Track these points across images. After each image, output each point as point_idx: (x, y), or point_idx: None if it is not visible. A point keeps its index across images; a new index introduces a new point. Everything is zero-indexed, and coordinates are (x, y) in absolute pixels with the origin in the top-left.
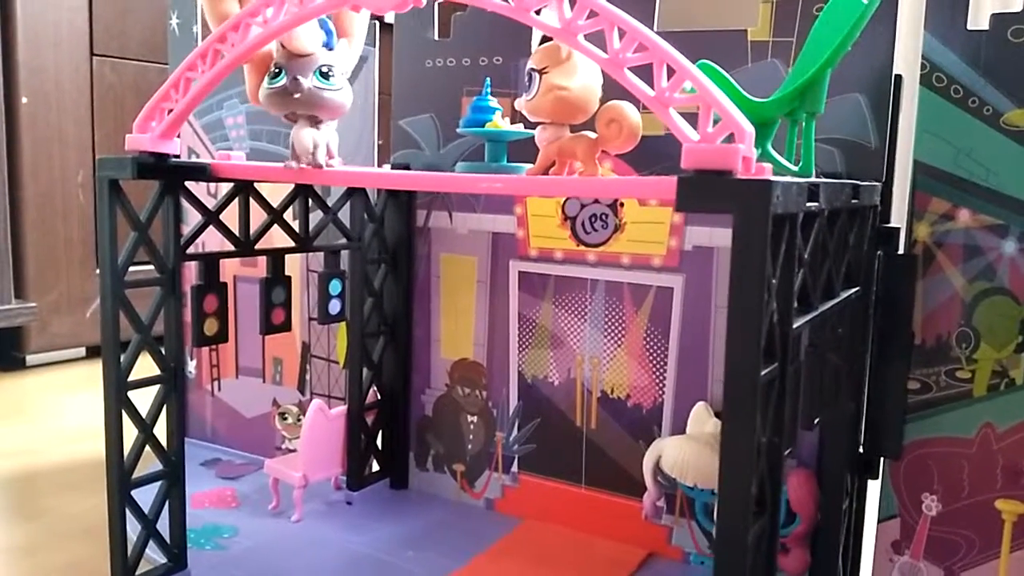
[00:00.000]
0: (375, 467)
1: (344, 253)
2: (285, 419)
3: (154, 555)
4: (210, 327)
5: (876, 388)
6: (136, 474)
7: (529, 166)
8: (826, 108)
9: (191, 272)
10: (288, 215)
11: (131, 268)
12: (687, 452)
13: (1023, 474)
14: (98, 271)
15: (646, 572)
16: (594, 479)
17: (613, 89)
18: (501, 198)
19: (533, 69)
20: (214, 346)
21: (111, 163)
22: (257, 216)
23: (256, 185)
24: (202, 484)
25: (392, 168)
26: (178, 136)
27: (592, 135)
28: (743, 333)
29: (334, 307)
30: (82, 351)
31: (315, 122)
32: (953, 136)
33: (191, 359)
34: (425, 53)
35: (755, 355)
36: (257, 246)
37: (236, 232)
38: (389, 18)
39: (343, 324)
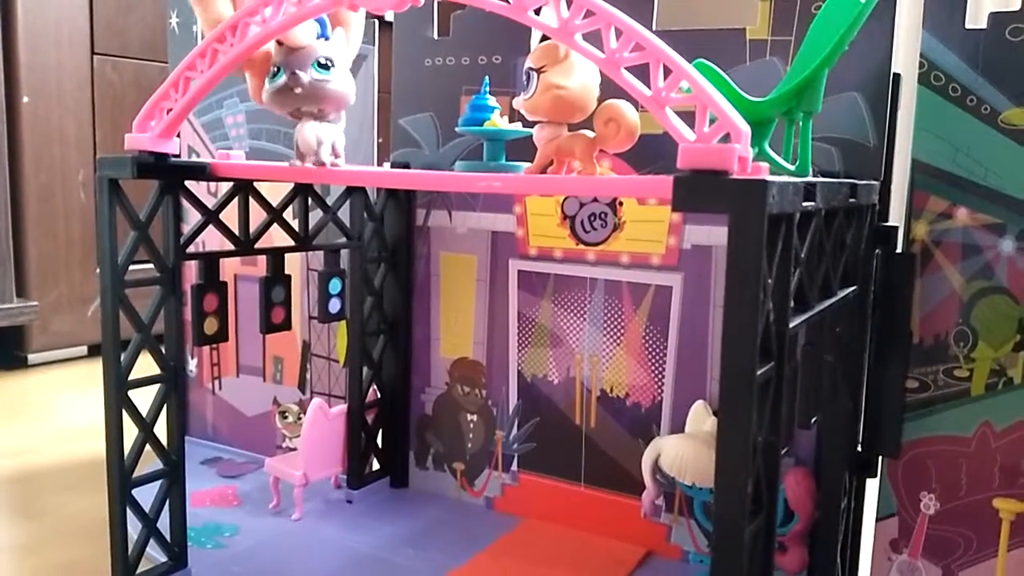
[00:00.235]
0: (375, 466)
1: (344, 252)
2: (285, 418)
3: (155, 554)
4: (210, 326)
5: (874, 387)
6: (137, 473)
7: (528, 165)
8: (824, 107)
9: (191, 271)
10: (288, 214)
11: (131, 267)
12: (686, 451)
13: (1021, 473)
14: (98, 270)
15: (645, 570)
16: (593, 478)
17: (611, 88)
18: (500, 197)
19: (531, 68)
20: (214, 345)
21: (111, 162)
22: (257, 215)
23: (256, 184)
24: (203, 483)
25: (391, 167)
26: (178, 135)
27: (590, 134)
28: (739, 333)
29: (334, 306)
30: (83, 350)
31: (320, 117)
32: (951, 135)
33: (192, 358)
34: (424, 52)
35: (751, 354)
36: (257, 245)
37: (236, 231)
38: (389, 16)
39: (343, 323)
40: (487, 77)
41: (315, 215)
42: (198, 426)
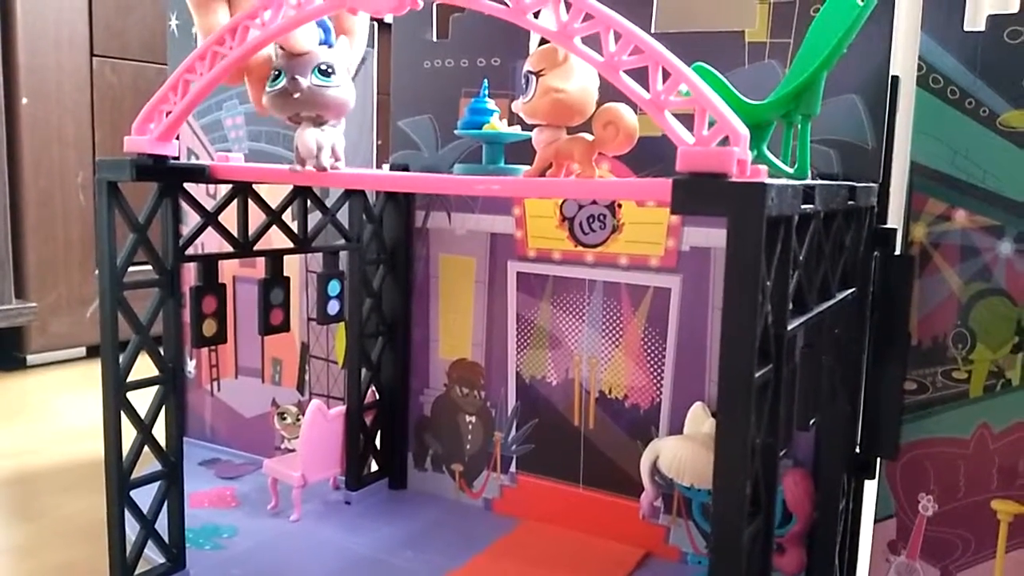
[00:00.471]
0: (374, 467)
1: (343, 254)
2: (284, 419)
3: (153, 555)
4: (209, 328)
5: (872, 388)
6: (135, 474)
7: (527, 168)
8: (823, 109)
9: (190, 273)
10: (287, 216)
11: (130, 269)
12: (684, 452)
13: (1019, 474)
14: (97, 272)
15: (643, 572)
16: (592, 479)
17: (610, 91)
18: (499, 199)
19: (530, 71)
20: (213, 347)
21: (110, 165)
22: (256, 217)
23: (255, 186)
24: (201, 484)
25: (391, 169)
26: (177, 138)
27: (589, 137)
28: (737, 335)
29: (333, 308)
30: (82, 351)
31: (319, 123)
32: (950, 137)
33: (190, 359)
34: (423, 54)
35: (749, 357)
36: (256, 247)
37: (235, 233)
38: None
39: (342, 324)
40: (486, 80)
41: (314, 217)
42: (196, 427)
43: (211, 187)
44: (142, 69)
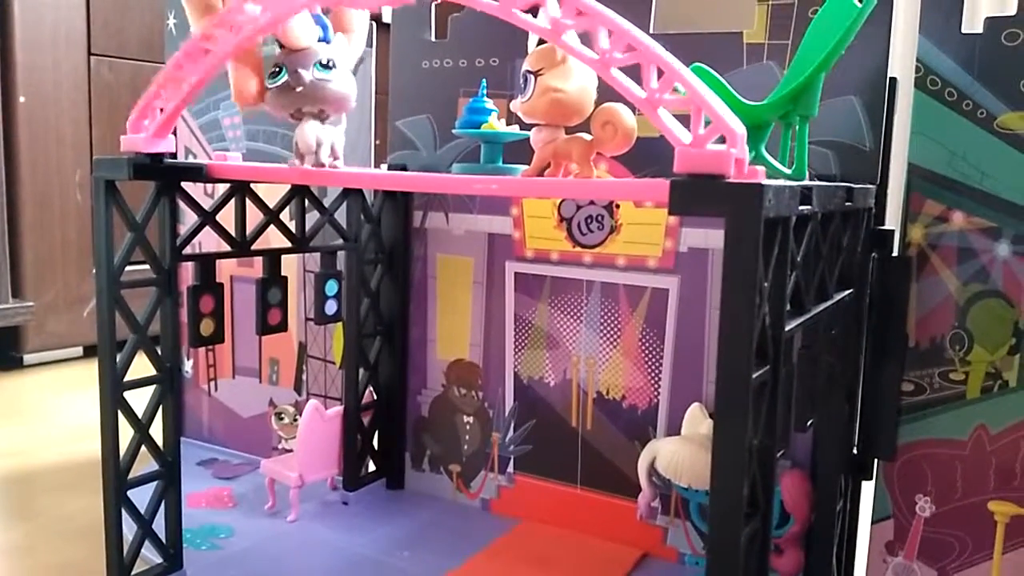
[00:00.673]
0: (371, 467)
1: (340, 254)
2: (281, 419)
3: (150, 555)
4: (206, 327)
5: (870, 390)
6: (132, 474)
7: (525, 167)
8: (821, 110)
9: (187, 272)
10: (284, 215)
11: (127, 268)
12: (682, 453)
13: (1016, 475)
14: (94, 271)
15: (641, 572)
16: (589, 480)
17: (608, 91)
18: (497, 199)
19: (529, 71)
20: (210, 346)
21: (107, 164)
22: (253, 217)
23: (252, 185)
24: (198, 484)
25: (389, 169)
26: (174, 134)
27: (587, 137)
28: (735, 336)
29: (330, 307)
30: (79, 350)
31: (321, 118)
32: (947, 139)
33: (188, 359)
34: (422, 54)
35: (747, 358)
36: (253, 247)
37: (232, 233)
38: (387, 18)
39: (339, 324)
40: (484, 79)
41: (312, 217)
42: (194, 427)
43: (209, 186)
44: (140, 68)
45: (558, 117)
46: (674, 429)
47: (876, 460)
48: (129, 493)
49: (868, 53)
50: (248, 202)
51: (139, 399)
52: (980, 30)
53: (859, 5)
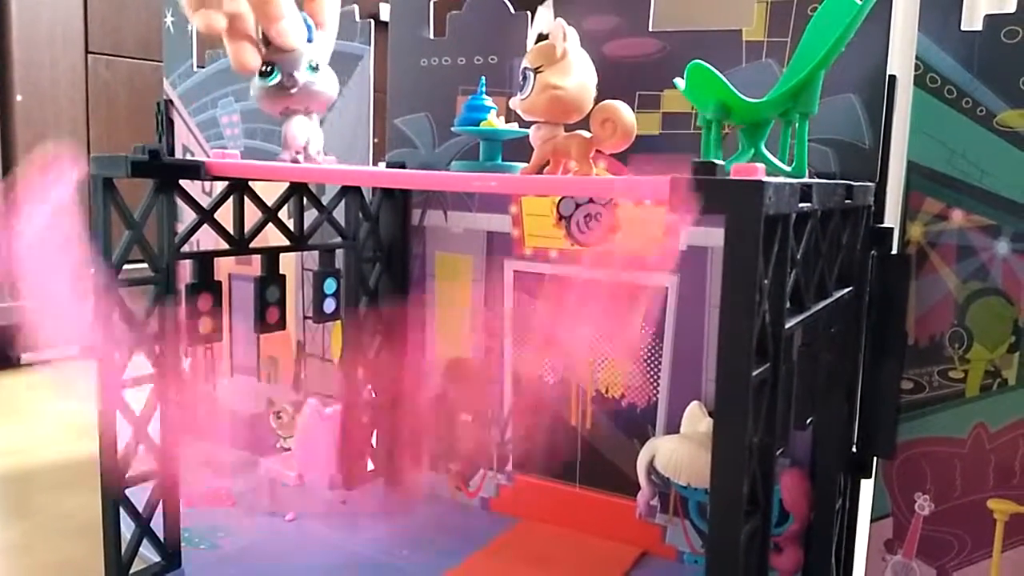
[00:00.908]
0: (369, 466)
1: (339, 252)
2: (280, 418)
3: (148, 554)
4: (204, 326)
5: (869, 388)
6: (130, 473)
7: (524, 165)
8: (821, 108)
9: (185, 271)
10: (283, 214)
11: (125, 266)
12: (681, 451)
13: (1015, 474)
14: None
15: (640, 571)
16: (588, 478)
17: (608, 89)
18: (496, 197)
19: (528, 68)
20: (209, 345)
21: (105, 161)
22: (252, 215)
23: (251, 183)
24: (197, 483)
25: (387, 167)
26: (173, 133)
27: (586, 134)
28: (735, 334)
29: (329, 306)
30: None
31: (307, 114)
32: (947, 137)
33: (186, 357)
34: (420, 52)
35: (747, 355)
36: (252, 245)
37: (231, 231)
38: (385, 16)
39: (338, 323)
40: (483, 77)
41: (310, 215)
42: (192, 426)
43: (207, 184)
44: (137, 66)
45: (557, 114)
46: (673, 427)
47: (875, 458)
48: (127, 492)
49: (867, 51)
50: (246, 200)
51: (137, 398)
52: (979, 28)
53: (858, 2)
